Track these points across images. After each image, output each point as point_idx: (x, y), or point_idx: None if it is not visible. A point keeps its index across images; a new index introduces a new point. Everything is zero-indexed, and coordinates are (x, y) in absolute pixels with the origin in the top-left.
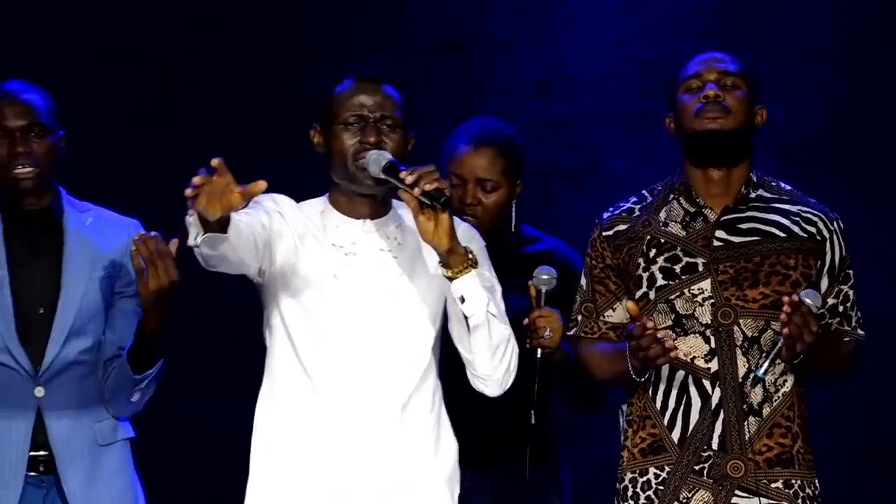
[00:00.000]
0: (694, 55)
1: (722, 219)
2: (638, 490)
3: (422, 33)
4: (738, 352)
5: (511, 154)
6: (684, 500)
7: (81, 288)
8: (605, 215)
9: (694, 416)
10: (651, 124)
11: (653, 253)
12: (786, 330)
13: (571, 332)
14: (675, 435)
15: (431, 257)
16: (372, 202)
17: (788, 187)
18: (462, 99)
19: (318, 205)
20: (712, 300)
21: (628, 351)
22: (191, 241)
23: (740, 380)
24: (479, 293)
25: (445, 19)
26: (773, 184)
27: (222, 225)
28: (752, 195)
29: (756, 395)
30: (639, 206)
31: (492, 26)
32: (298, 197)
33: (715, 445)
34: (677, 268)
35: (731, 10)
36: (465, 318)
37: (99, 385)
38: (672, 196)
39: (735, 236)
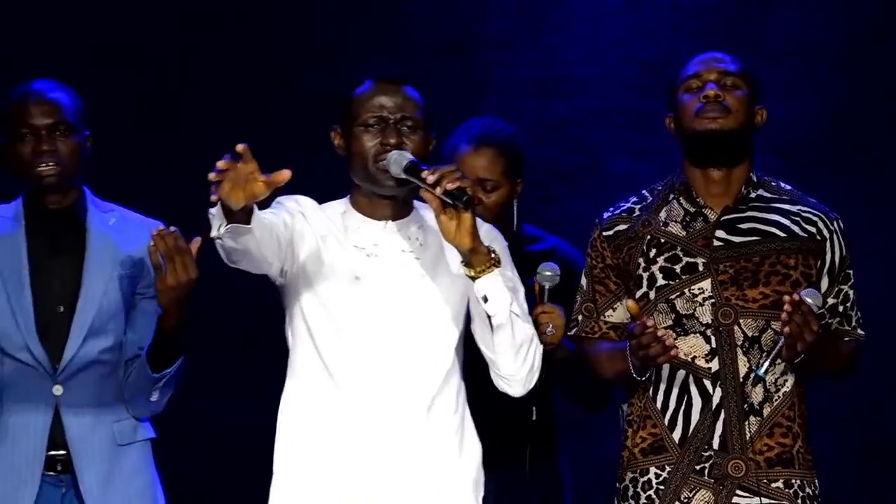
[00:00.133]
0: (694, 55)
1: (722, 219)
2: (638, 490)
3: (422, 33)
4: (739, 351)
5: (511, 154)
6: (685, 500)
7: (102, 287)
8: (605, 215)
9: (695, 416)
10: (651, 124)
11: (653, 253)
12: (786, 329)
13: (572, 332)
14: (676, 435)
15: (454, 258)
16: (393, 203)
17: (788, 187)
18: (462, 99)
19: (340, 206)
20: (712, 300)
21: (629, 350)
22: (214, 233)
23: (741, 379)
24: (503, 293)
25: (445, 19)
26: (773, 184)
27: (245, 216)
28: (752, 195)
29: (756, 394)
30: (639, 206)
31: (492, 26)
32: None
33: (716, 445)
34: (677, 268)
35: (731, 10)
36: (489, 317)
37: (119, 385)
38: (672, 196)
39: (735, 236)
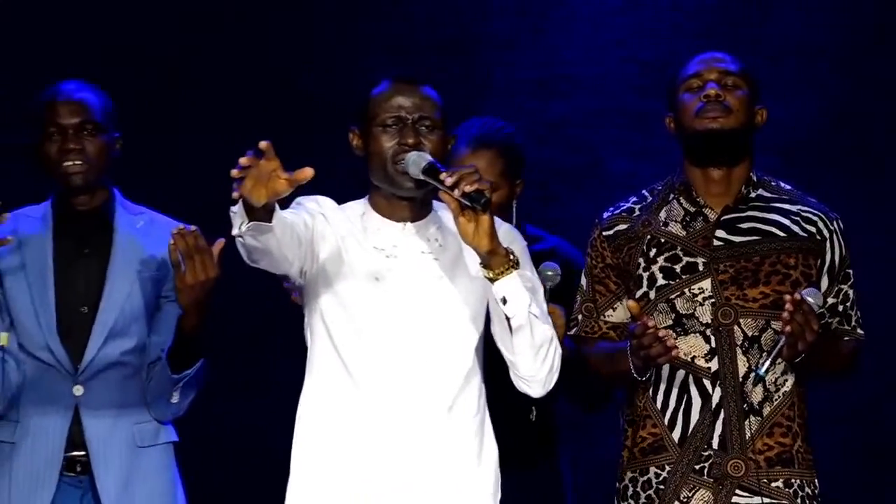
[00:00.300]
0: (694, 55)
1: (722, 218)
2: (638, 489)
3: (422, 33)
4: (739, 351)
5: (510, 154)
6: (685, 500)
7: (125, 289)
8: (605, 215)
9: (694, 416)
10: (651, 124)
11: (653, 253)
12: (787, 328)
13: (572, 332)
14: (676, 434)
15: (473, 259)
16: (412, 205)
17: (788, 187)
18: (462, 99)
19: (359, 207)
20: (712, 300)
21: (629, 350)
22: (235, 231)
23: (740, 379)
24: (521, 294)
25: (445, 19)
26: (773, 183)
27: (267, 214)
28: (752, 195)
29: (756, 394)
30: (639, 206)
31: (492, 26)
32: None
33: (715, 445)
34: (677, 267)
35: (731, 10)
36: (507, 319)
37: (142, 387)
38: (672, 196)
39: (735, 236)
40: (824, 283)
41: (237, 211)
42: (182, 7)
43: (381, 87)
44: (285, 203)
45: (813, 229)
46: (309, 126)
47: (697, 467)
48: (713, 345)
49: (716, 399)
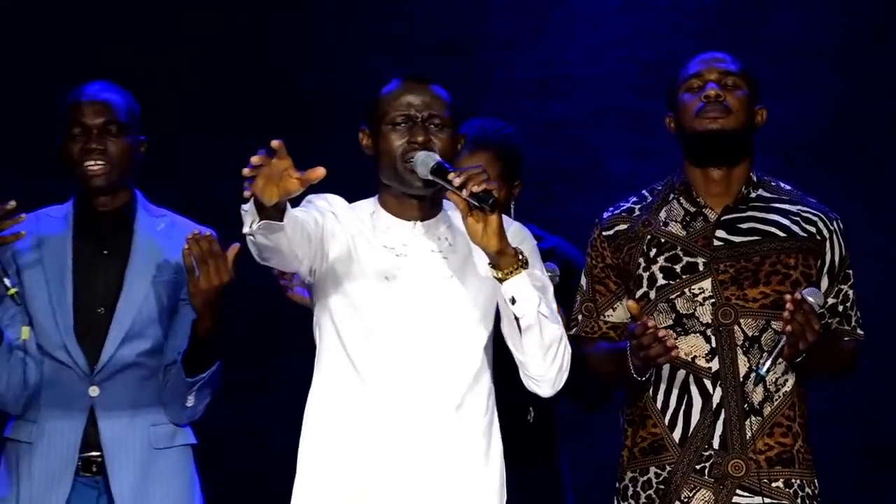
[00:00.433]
0: (694, 55)
1: (722, 218)
2: (638, 489)
3: (422, 33)
4: (739, 351)
5: (508, 155)
6: (685, 500)
7: (143, 291)
8: (605, 215)
9: (695, 416)
10: (651, 124)
11: (653, 252)
12: (788, 328)
13: (572, 332)
14: (676, 434)
15: (482, 259)
16: (422, 204)
17: (788, 187)
18: (462, 99)
19: (369, 206)
20: (713, 300)
21: (629, 350)
22: (246, 229)
23: (741, 379)
24: (530, 294)
25: (445, 19)
26: (773, 184)
27: (278, 213)
28: (752, 195)
29: (757, 394)
30: (639, 206)
31: (492, 26)
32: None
33: (716, 445)
34: (678, 267)
35: (731, 10)
36: (516, 319)
37: (158, 389)
38: (672, 196)
39: (735, 236)
40: (824, 283)
41: (248, 209)
42: (182, 7)
43: (391, 86)
44: (295, 201)
45: (813, 229)
46: (309, 126)
47: (698, 467)
48: (713, 345)
49: (716, 399)
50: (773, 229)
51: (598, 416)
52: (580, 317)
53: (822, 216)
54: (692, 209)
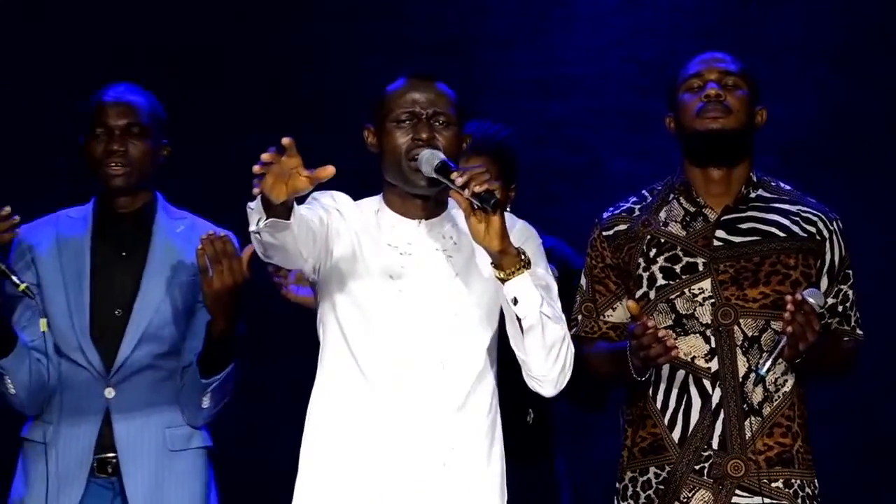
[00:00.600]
0: (694, 55)
1: (722, 218)
2: (638, 489)
3: (422, 33)
4: (739, 351)
5: (503, 159)
6: (685, 500)
7: (160, 293)
8: (605, 215)
9: (694, 416)
10: (651, 124)
11: (653, 253)
12: (788, 328)
13: (571, 332)
14: (676, 434)
15: (486, 258)
16: (426, 202)
17: (788, 187)
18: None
19: (374, 204)
20: (712, 300)
21: (629, 350)
22: (252, 227)
23: (740, 379)
24: (533, 294)
25: (445, 19)
26: (773, 184)
27: (285, 211)
28: (752, 195)
29: (756, 394)
30: (639, 206)
31: (492, 26)
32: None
33: (715, 445)
34: (677, 267)
35: (731, 10)
36: (518, 319)
37: (175, 391)
38: (672, 196)
39: (735, 236)
40: (824, 283)
41: (254, 207)
42: (182, 7)
43: (397, 84)
44: (300, 198)
45: (813, 229)
46: (309, 126)
47: (697, 467)
48: (713, 345)
49: (716, 399)
50: (773, 229)
51: (597, 417)
52: (580, 317)
53: (821, 216)
54: (692, 209)
